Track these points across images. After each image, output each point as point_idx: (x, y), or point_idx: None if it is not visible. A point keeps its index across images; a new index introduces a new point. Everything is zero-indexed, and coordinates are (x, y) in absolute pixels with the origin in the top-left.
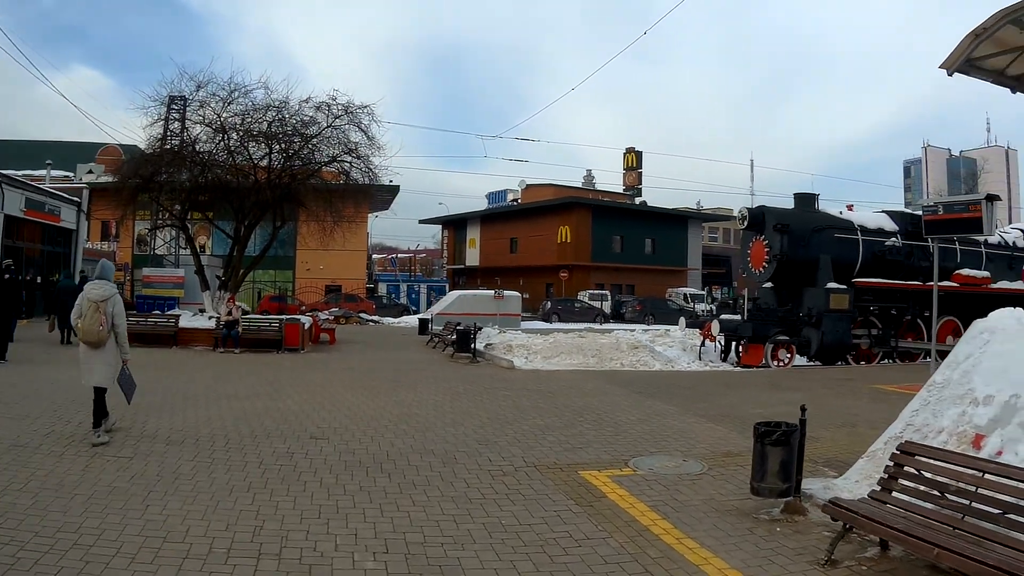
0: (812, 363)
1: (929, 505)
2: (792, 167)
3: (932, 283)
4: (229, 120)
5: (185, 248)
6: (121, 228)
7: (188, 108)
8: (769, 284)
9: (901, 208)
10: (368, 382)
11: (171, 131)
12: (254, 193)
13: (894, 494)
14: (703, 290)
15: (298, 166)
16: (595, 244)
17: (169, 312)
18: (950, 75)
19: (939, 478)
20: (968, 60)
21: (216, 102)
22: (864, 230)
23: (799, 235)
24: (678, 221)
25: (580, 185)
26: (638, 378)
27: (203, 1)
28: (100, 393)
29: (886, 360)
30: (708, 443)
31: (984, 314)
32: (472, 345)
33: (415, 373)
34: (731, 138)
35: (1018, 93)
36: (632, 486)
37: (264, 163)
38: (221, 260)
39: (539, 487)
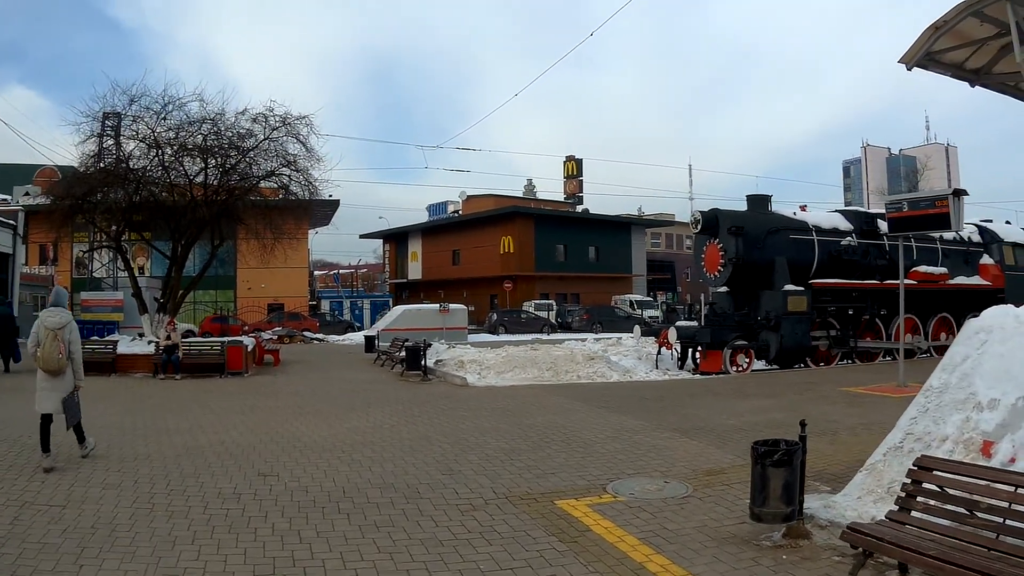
0: (771, 367)
1: (957, 525)
2: (733, 169)
3: (889, 282)
4: (163, 135)
5: (123, 270)
6: (58, 251)
7: (122, 123)
8: (724, 288)
9: (855, 207)
10: (317, 407)
11: (106, 148)
12: (190, 210)
13: (914, 514)
14: (649, 296)
15: (235, 181)
16: (538, 254)
17: (108, 337)
18: (909, 69)
19: (965, 494)
20: (928, 54)
21: (150, 116)
22: (819, 230)
23: (754, 237)
24: (621, 228)
25: (521, 195)
26: (599, 391)
27: (136, 16)
28: (48, 420)
29: (845, 361)
30: (686, 460)
31: (943, 311)
32: (422, 362)
33: (366, 395)
34: (671, 143)
35: (977, 87)
36: (616, 515)
37: (200, 179)
38: (160, 281)
39: (515, 523)
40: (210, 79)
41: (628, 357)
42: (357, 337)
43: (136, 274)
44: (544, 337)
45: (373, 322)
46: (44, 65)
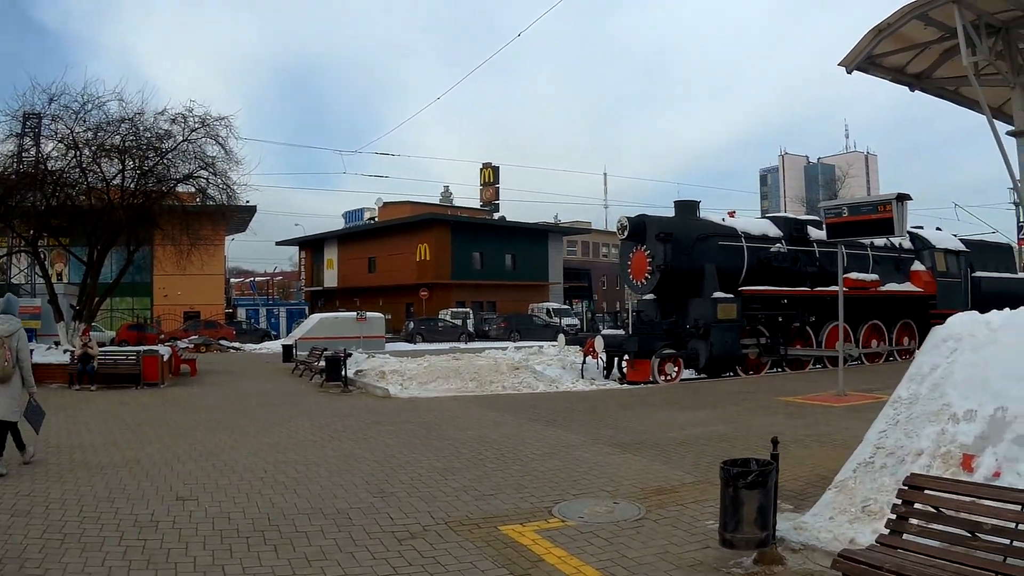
0: (700, 376)
1: (959, 548)
2: (649, 176)
3: (819, 289)
4: (81, 135)
5: (41, 276)
6: None
7: (41, 123)
8: (651, 296)
9: (784, 214)
10: (236, 421)
11: (24, 149)
12: (106, 214)
13: (907, 537)
14: (565, 304)
15: (153, 184)
16: (455, 261)
17: None
18: (849, 72)
19: (964, 514)
20: (869, 57)
21: (68, 115)
22: (748, 237)
23: (682, 244)
24: (538, 235)
25: (438, 202)
26: (526, 402)
27: (62, 21)
28: (4, 427)
29: (775, 369)
30: (632, 478)
31: (874, 318)
32: (343, 373)
33: (286, 408)
34: (587, 150)
35: (916, 91)
36: (568, 542)
37: (117, 181)
38: (78, 288)
39: (459, 552)
40: (130, 79)
41: (552, 366)
42: (274, 346)
43: (54, 280)
44: (462, 346)
45: (290, 330)
46: None
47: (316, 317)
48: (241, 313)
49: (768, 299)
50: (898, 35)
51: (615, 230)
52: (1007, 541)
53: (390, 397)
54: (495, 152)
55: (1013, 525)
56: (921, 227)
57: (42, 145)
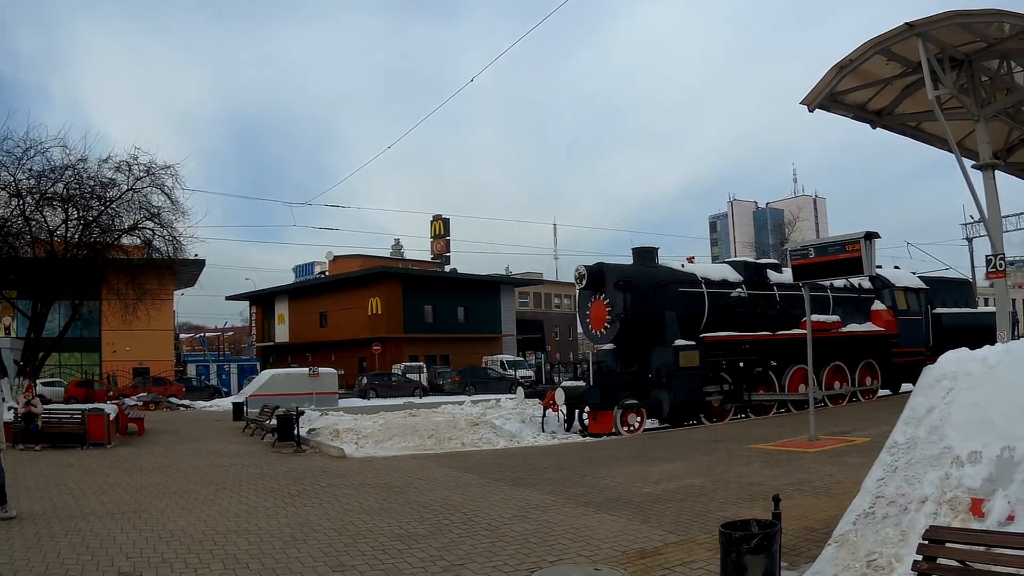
0: (663, 426)
1: None
2: (603, 224)
3: (781, 332)
4: (24, 183)
5: None
6: None
7: None
8: (611, 345)
9: (744, 258)
10: (184, 485)
11: None
12: (50, 265)
13: None
14: (519, 356)
15: (97, 235)
16: (407, 315)
17: None
18: (811, 111)
19: (994, 567)
20: (831, 94)
21: (11, 162)
22: (708, 282)
23: (642, 292)
24: (489, 287)
25: (389, 255)
26: (489, 460)
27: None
28: None
29: (740, 415)
30: (612, 540)
31: (836, 359)
32: (295, 432)
33: (237, 470)
34: (537, 199)
35: (878, 128)
36: None
37: (61, 232)
38: (23, 343)
39: None
40: (74, 125)
41: (512, 420)
42: (225, 403)
43: (1, 334)
44: (417, 401)
45: (241, 387)
46: None
47: (268, 373)
48: (191, 369)
49: (730, 345)
50: (860, 71)
51: (572, 279)
52: None
53: (345, 457)
54: (445, 204)
55: None
56: (880, 266)
57: None
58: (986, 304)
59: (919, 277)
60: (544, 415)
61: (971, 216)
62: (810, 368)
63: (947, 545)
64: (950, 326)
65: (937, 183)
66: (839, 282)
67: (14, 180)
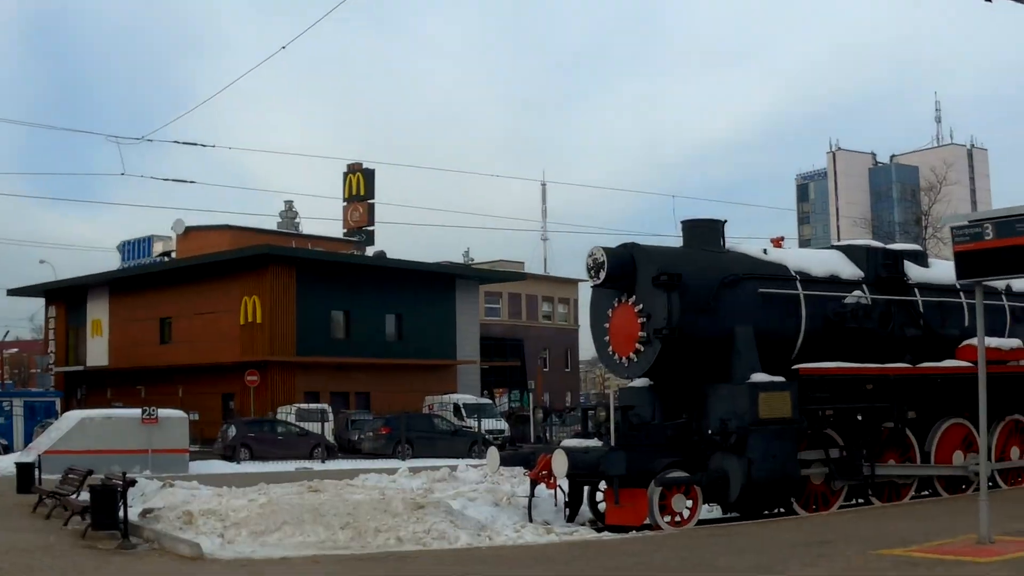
0: (729, 515)
1: None
2: (618, 185)
3: (927, 365)
4: None
5: None
6: None
7: None
8: (645, 380)
9: (865, 241)
10: None
11: None
12: None
13: None
14: (484, 396)
15: None
16: (303, 326)
17: None
18: None
19: None
20: None
21: None
22: (808, 280)
23: (699, 293)
24: (439, 283)
25: (276, 227)
26: (445, 570)
27: None
28: None
29: (855, 500)
30: None
31: (1017, 410)
32: (121, 514)
33: None
34: (515, 145)
35: None
36: None
37: None
38: None
39: None
40: None
41: (478, 502)
42: (5, 463)
43: None
44: (318, 466)
45: (30, 438)
46: None
47: (75, 416)
48: None
49: (843, 383)
50: None
51: (572, 272)
52: None
53: (204, 558)
54: (369, 147)
55: None
56: None
57: None
58: None
59: None
60: (532, 494)
61: None
62: (982, 424)
63: None
64: None
65: None
66: (1020, 284)
67: None
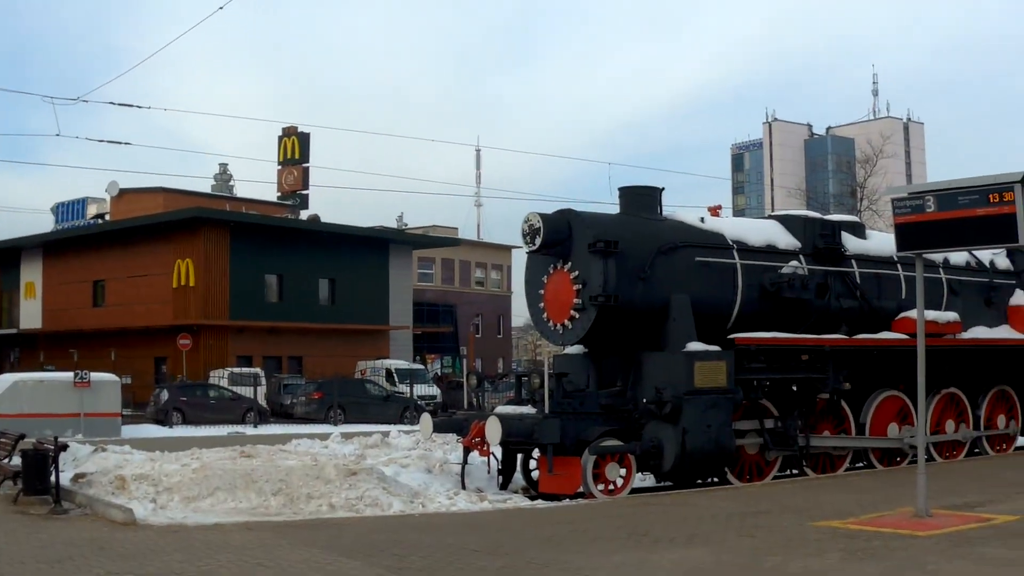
0: (663, 484)
1: None
2: (555, 151)
3: (863, 336)
4: None
5: None
6: None
7: None
8: (580, 348)
9: (803, 212)
10: None
11: None
12: None
13: None
14: (417, 362)
15: None
16: (236, 289)
17: None
18: None
19: None
20: None
21: None
22: (745, 249)
23: (635, 260)
24: (372, 248)
25: (210, 190)
26: (378, 535)
27: None
28: None
29: (790, 471)
30: None
31: (953, 383)
32: (53, 479)
33: None
34: (449, 107)
35: None
36: None
37: None
38: None
39: None
40: None
41: (411, 468)
42: None
43: None
44: (250, 431)
45: None
46: None
47: (6, 380)
48: None
49: (779, 353)
50: None
51: (502, 238)
52: None
53: (136, 524)
54: (304, 112)
55: None
56: None
57: None
58: None
59: None
60: (465, 461)
61: None
62: (921, 397)
63: None
64: None
65: None
66: (957, 258)
67: None
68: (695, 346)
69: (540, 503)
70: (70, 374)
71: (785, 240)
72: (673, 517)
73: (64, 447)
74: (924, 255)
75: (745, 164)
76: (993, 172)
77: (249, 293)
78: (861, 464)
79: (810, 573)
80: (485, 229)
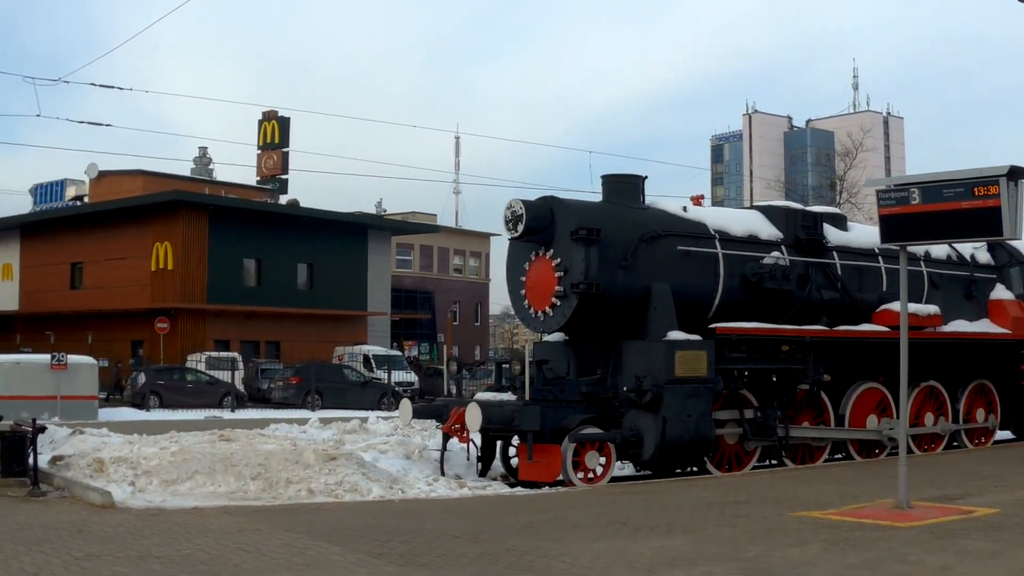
0: (641, 473)
1: None
2: (536, 139)
3: (844, 328)
4: None
5: None
6: None
7: None
8: (560, 335)
9: (785, 203)
10: None
11: None
12: None
13: None
14: (394, 348)
15: None
16: (215, 273)
17: None
18: None
19: None
20: None
21: None
22: (726, 239)
23: (617, 248)
24: (351, 233)
25: (189, 173)
26: (357, 520)
27: None
28: None
29: (768, 462)
30: None
31: (932, 376)
32: (30, 461)
33: None
34: (429, 94)
35: None
36: None
37: None
38: None
39: None
40: None
41: (389, 454)
42: None
43: None
44: (227, 415)
45: None
46: None
47: None
48: None
49: (760, 344)
50: None
51: (480, 225)
52: None
53: (115, 507)
54: (284, 97)
55: None
56: None
57: None
58: None
59: None
60: (445, 448)
61: None
62: (903, 389)
63: None
64: None
65: None
66: (938, 251)
67: None
68: (676, 335)
69: (520, 490)
70: (47, 356)
71: (767, 231)
72: (653, 506)
73: (42, 429)
74: (908, 247)
75: (725, 156)
76: (968, 167)
77: (227, 277)
78: (840, 455)
79: (791, 563)
80: (463, 216)
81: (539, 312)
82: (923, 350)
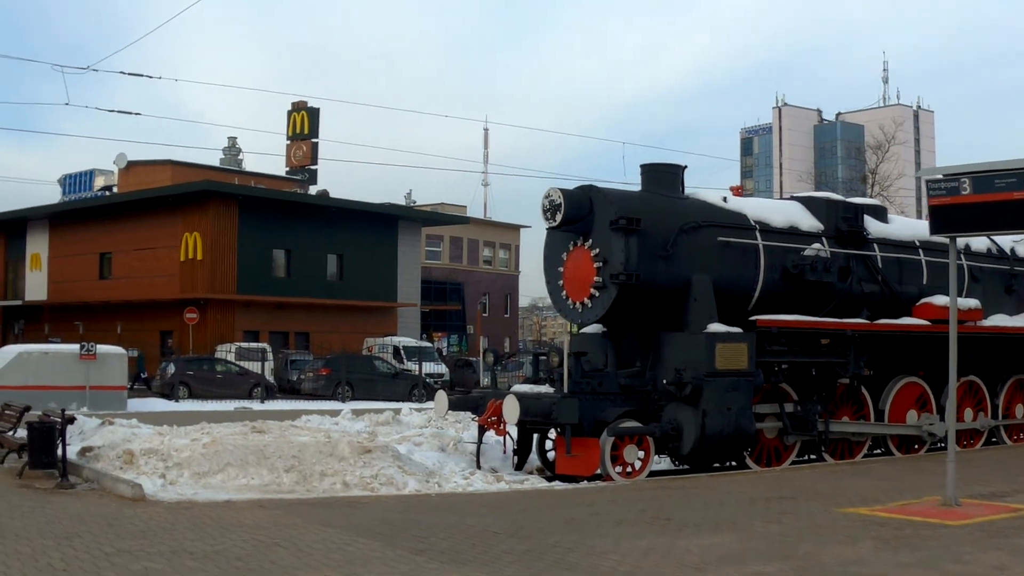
0: (679, 467)
1: None
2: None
3: (884, 321)
4: None
5: None
6: None
7: None
8: (599, 327)
9: (826, 194)
10: None
11: None
12: None
13: None
14: (424, 340)
15: None
16: (244, 264)
17: None
18: None
19: None
20: None
21: None
22: (767, 230)
23: (657, 239)
24: (381, 224)
25: (219, 163)
26: (395, 515)
27: None
28: None
29: (807, 456)
30: None
31: (972, 371)
32: (59, 452)
33: None
34: (458, 86)
35: None
36: None
37: None
38: None
39: None
40: None
41: (424, 447)
42: None
43: None
44: (257, 406)
45: None
46: None
47: (12, 350)
48: None
49: (800, 337)
50: None
51: (509, 217)
52: None
53: (145, 500)
54: (314, 87)
55: None
56: None
57: None
58: None
59: None
60: (480, 440)
61: None
62: (952, 383)
63: None
64: None
65: None
66: (977, 244)
67: None
68: (716, 327)
69: (558, 484)
70: (76, 346)
71: (808, 222)
72: (696, 502)
73: (71, 420)
74: (956, 238)
75: (754, 148)
76: (1002, 159)
77: (257, 268)
78: (879, 451)
79: (844, 562)
80: (491, 207)
81: (577, 303)
82: (964, 344)
